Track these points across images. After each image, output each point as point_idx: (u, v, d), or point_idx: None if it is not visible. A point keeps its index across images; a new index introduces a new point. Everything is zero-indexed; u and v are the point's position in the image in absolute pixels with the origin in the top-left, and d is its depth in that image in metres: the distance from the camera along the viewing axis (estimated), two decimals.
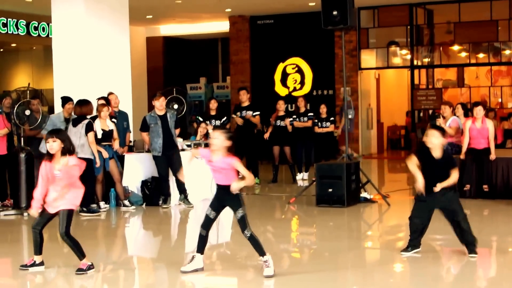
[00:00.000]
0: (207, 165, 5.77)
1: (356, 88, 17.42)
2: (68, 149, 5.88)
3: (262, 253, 5.68)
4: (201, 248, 5.92)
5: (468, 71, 18.60)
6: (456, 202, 6.24)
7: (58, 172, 5.83)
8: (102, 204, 9.59)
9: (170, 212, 9.66)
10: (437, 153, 6.15)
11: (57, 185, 5.88)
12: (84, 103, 9.33)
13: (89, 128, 9.16)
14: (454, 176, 6.13)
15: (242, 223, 5.66)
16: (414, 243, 6.37)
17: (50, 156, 5.90)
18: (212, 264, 6.55)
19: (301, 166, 12.94)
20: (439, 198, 6.15)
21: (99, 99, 9.87)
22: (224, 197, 5.73)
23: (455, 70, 18.50)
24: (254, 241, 5.67)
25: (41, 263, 6.12)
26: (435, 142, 6.12)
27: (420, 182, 6.10)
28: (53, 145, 5.85)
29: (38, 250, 6.08)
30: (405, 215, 9.52)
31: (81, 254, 5.96)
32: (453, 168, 6.15)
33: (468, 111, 10.80)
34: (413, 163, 6.17)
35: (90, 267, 5.98)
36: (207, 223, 5.83)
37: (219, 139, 5.67)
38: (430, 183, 6.13)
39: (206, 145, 10.71)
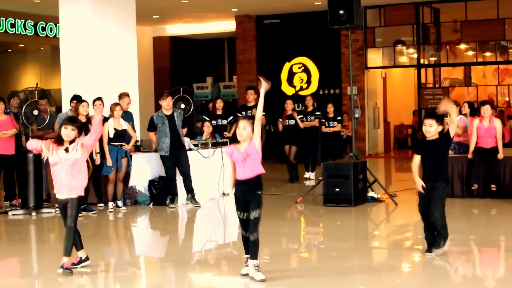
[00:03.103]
0: (233, 159, 5.61)
1: (363, 87, 17.40)
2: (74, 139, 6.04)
3: (256, 256, 5.58)
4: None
5: (475, 70, 18.53)
6: (440, 197, 6.23)
7: (67, 155, 5.91)
8: (110, 204, 9.60)
9: (177, 211, 9.68)
10: (434, 138, 6.29)
11: (66, 169, 5.91)
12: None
13: None
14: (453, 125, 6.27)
15: (254, 225, 5.56)
16: (428, 241, 6.35)
17: (60, 142, 5.97)
18: (219, 264, 6.57)
19: (308, 165, 12.94)
20: (430, 189, 6.21)
21: (95, 100, 9.76)
22: (247, 195, 5.59)
23: (462, 69, 18.44)
24: (256, 245, 5.57)
25: (87, 258, 6.13)
26: (432, 131, 6.24)
27: (418, 185, 6.26)
28: (71, 134, 5.96)
29: (79, 245, 6.08)
30: (412, 214, 9.54)
31: (81, 244, 6.05)
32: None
33: (475, 110, 10.77)
34: (415, 164, 6.31)
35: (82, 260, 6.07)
36: (245, 225, 5.66)
37: (246, 130, 5.59)
38: (427, 170, 6.24)
39: (213, 144, 10.78)
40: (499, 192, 9.75)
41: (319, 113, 12.82)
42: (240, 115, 12.31)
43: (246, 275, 5.65)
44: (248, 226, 5.59)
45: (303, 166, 12.97)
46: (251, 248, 5.59)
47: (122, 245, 7.87)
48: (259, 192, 5.61)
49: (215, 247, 7.56)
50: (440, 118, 6.42)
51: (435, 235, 6.30)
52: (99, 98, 9.74)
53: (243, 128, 5.61)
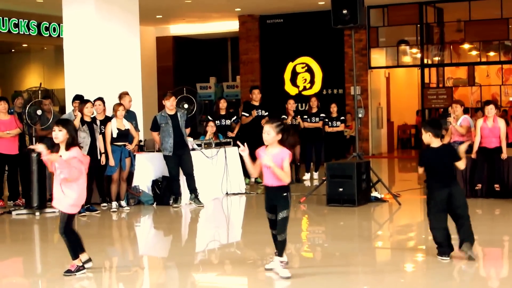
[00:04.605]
0: (264, 165, 5.56)
1: (366, 87, 17.39)
2: (71, 143, 5.75)
3: (282, 254, 5.69)
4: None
5: (479, 70, 18.50)
6: (464, 199, 6.22)
7: (57, 164, 5.65)
8: (114, 204, 9.61)
9: (180, 211, 9.69)
10: (435, 145, 6.21)
11: (58, 179, 5.70)
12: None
13: None
14: (463, 161, 6.15)
15: (282, 225, 5.57)
16: (445, 250, 6.17)
17: (56, 148, 5.78)
18: (222, 264, 6.57)
19: (310, 166, 12.90)
20: (453, 196, 6.09)
21: (95, 100, 9.75)
22: (274, 198, 5.62)
23: (465, 69, 18.42)
24: (283, 244, 5.65)
25: (88, 260, 5.95)
26: (425, 139, 6.21)
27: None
28: (58, 134, 5.73)
29: (81, 248, 5.91)
30: (416, 214, 9.55)
31: (74, 254, 5.81)
32: (458, 158, 6.16)
33: (467, 109, 10.84)
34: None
35: (80, 268, 5.82)
36: (273, 224, 5.72)
37: (270, 135, 5.55)
38: (437, 177, 6.13)
39: (217, 144, 10.79)
40: (502, 192, 9.74)
41: (324, 115, 12.80)
42: (245, 113, 12.28)
43: (271, 269, 5.76)
44: (277, 226, 5.62)
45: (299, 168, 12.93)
46: (278, 246, 5.66)
47: (125, 245, 7.88)
48: (285, 194, 5.60)
49: (219, 247, 7.56)
50: (438, 125, 6.30)
51: (450, 240, 6.19)
52: (100, 98, 9.76)
53: (267, 133, 5.56)
